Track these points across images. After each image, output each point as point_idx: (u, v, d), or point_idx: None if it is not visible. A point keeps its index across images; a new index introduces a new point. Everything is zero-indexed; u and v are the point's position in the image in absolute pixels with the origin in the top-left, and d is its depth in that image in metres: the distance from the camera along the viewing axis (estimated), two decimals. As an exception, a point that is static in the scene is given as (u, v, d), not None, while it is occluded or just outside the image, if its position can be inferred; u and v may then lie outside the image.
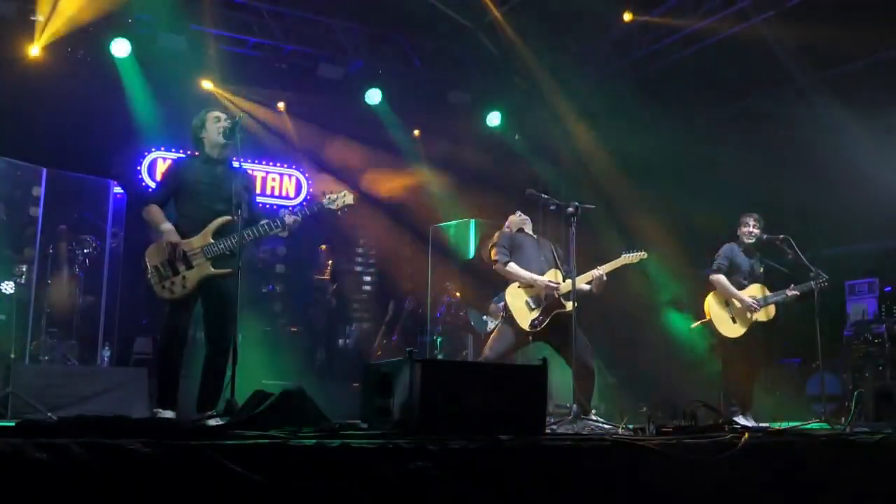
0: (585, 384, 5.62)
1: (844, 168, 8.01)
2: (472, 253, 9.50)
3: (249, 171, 5.74)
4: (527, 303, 5.84)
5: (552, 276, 5.91)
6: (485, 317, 8.22)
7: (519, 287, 5.89)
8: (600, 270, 5.86)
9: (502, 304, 7.42)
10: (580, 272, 5.68)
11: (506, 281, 5.98)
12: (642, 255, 6.04)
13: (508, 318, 5.85)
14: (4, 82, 7.94)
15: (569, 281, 5.70)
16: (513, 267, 5.92)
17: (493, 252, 6.07)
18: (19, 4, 8.15)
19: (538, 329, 5.79)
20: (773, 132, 8.71)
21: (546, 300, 5.81)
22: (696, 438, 3.57)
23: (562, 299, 5.79)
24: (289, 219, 5.03)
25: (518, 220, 6.31)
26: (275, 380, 7.13)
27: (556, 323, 5.77)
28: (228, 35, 9.12)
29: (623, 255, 5.99)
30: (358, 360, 9.55)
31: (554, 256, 6.06)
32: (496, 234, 6.27)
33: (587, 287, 5.86)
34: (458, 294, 9.33)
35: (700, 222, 8.40)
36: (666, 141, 9.09)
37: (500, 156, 10.42)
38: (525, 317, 5.80)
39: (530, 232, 6.27)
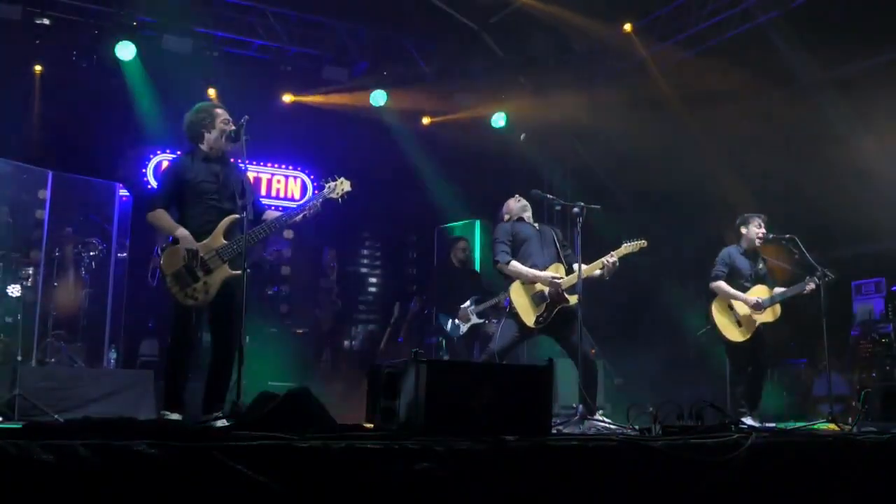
0: (589, 378, 5.63)
1: (851, 168, 7.98)
2: (477, 256, 9.45)
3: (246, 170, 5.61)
4: (531, 299, 5.83)
5: (555, 271, 5.88)
6: (456, 321, 8.09)
7: (522, 284, 5.87)
8: (614, 256, 5.85)
9: (471, 308, 7.50)
10: (586, 263, 5.70)
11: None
12: (642, 243, 6.01)
13: (513, 314, 5.85)
14: (10, 85, 7.97)
15: (573, 274, 5.72)
16: (515, 265, 5.88)
17: (493, 249, 6.01)
18: (24, 7, 8.17)
19: (543, 325, 5.80)
20: (779, 132, 8.68)
21: (550, 296, 5.80)
22: (702, 439, 3.55)
23: (565, 294, 5.78)
24: (296, 216, 4.99)
25: (517, 206, 6.17)
26: (281, 381, 7.14)
27: (559, 316, 5.79)
28: (233, 37, 9.15)
29: (624, 245, 5.97)
30: (364, 362, 9.53)
31: (556, 248, 6.01)
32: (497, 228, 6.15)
33: (598, 272, 5.87)
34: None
35: (703, 222, 8.39)
36: (669, 141, 9.07)
37: (505, 156, 10.42)
38: (530, 313, 5.81)
39: (530, 220, 6.17)
